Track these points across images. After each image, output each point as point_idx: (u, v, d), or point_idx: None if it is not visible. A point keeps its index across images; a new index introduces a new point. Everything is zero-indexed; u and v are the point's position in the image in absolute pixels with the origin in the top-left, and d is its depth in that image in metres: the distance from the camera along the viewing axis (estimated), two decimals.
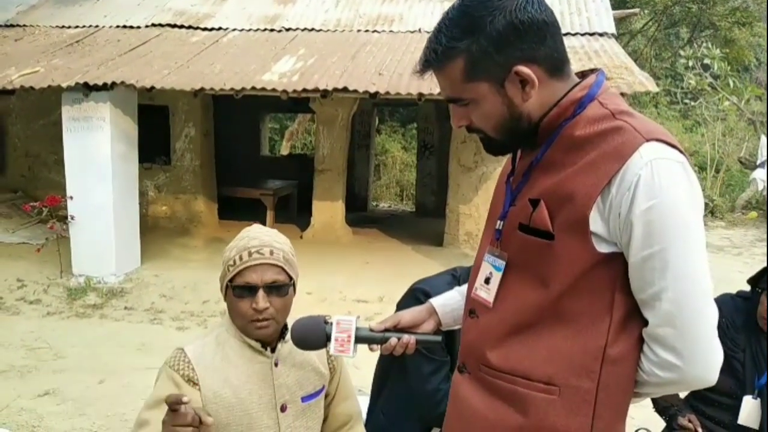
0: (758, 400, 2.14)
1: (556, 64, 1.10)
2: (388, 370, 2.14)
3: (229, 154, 9.34)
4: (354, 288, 5.96)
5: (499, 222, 1.19)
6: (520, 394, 1.12)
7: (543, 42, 1.07)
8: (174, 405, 1.17)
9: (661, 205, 1.00)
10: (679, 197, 1.01)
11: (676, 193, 1.01)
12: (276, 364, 1.49)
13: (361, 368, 4.08)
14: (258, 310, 1.41)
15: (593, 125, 1.07)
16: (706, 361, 1.05)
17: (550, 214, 1.07)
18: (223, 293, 1.49)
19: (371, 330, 1.31)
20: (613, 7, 8.01)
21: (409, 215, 11.11)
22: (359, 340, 1.29)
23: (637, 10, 10.86)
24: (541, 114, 1.11)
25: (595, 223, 1.04)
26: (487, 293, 1.18)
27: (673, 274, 1.01)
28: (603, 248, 1.05)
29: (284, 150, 15.59)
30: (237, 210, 8.21)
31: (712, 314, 1.05)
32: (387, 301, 5.49)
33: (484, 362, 1.17)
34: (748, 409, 2.15)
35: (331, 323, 1.30)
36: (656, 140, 1.03)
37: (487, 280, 1.19)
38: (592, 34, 6.85)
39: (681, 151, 1.05)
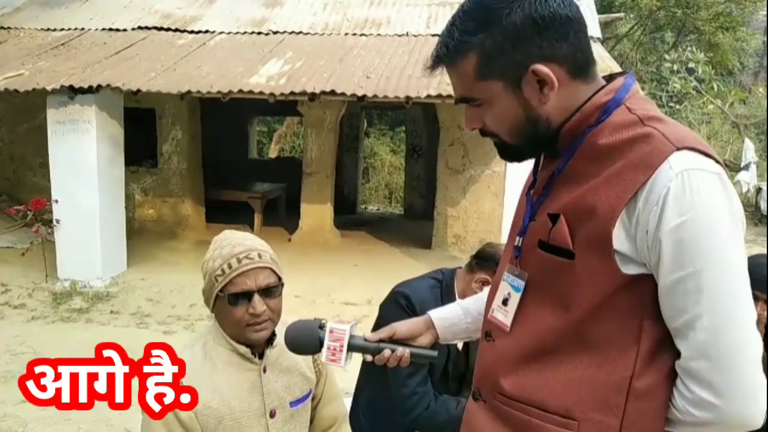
0: None
1: (579, 64, 1.00)
2: (370, 374, 2.14)
3: (217, 157, 9.31)
4: (342, 291, 5.96)
5: (518, 238, 1.10)
6: (533, 426, 1.03)
7: (565, 39, 0.98)
8: None
9: (694, 221, 0.90)
10: (714, 212, 0.91)
11: (711, 207, 0.91)
12: (264, 371, 1.48)
13: (348, 370, 4.09)
14: (256, 315, 1.39)
15: (619, 132, 0.97)
16: (747, 399, 0.92)
17: (570, 230, 0.98)
18: (210, 304, 1.46)
19: (366, 340, 1.28)
20: (599, 11, 8.10)
21: (397, 218, 11.12)
22: (352, 348, 1.26)
23: (621, 14, 10.98)
24: (563, 119, 1.02)
25: (620, 241, 0.94)
26: (504, 315, 1.09)
27: (708, 299, 0.91)
28: (630, 269, 0.95)
29: (273, 153, 15.57)
30: (225, 213, 8.17)
31: (755, 346, 0.93)
32: (375, 303, 5.43)
33: (498, 389, 1.08)
34: None
35: (325, 329, 1.27)
36: (688, 149, 0.93)
37: (505, 302, 1.10)
38: None
39: (717, 161, 0.95)
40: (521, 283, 1.08)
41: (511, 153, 1.10)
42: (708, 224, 0.91)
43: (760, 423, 0.94)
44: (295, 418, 1.53)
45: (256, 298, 1.40)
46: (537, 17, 0.96)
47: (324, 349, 1.26)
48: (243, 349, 1.45)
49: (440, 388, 2.06)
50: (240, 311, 1.40)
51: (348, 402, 2.05)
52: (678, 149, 0.93)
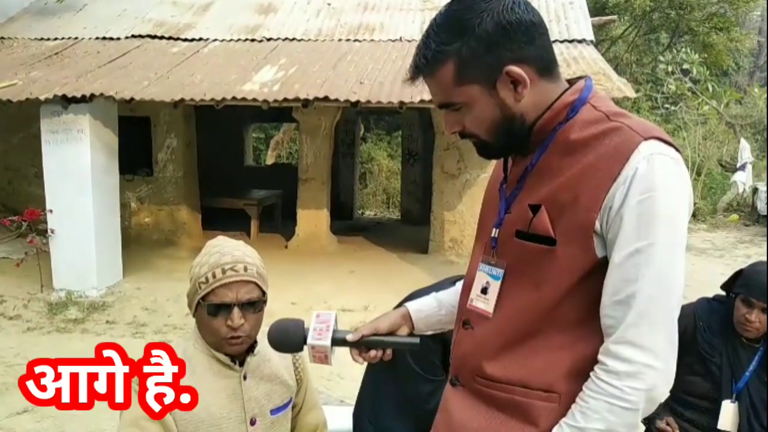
0: (736, 404, 2.15)
1: (545, 64, 1.10)
2: (378, 380, 2.12)
3: (213, 165, 9.30)
4: (339, 297, 5.93)
5: (494, 230, 1.17)
6: (517, 403, 1.11)
7: (532, 42, 1.06)
8: None
9: (654, 199, 0.99)
10: (672, 192, 1.01)
11: (670, 188, 1.00)
12: (245, 378, 1.48)
13: (345, 377, 4.07)
14: (233, 328, 1.39)
15: (589, 128, 1.06)
16: (674, 357, 1.03)
17: (551, 220, 1.06)
18: (192, 310, 1.47)
19: (347, 340, 1.29)
20: (592, 14, 8.11)
21: (394, 223, 11.11)
22: (336, 342, 1.28)
23: (615, 17, 11.01)
24: (535, 116, 1.10)
25: (598, 225, 1.03)
26: (485, 303, 1.16)
27: (655, 270, 1.00)
28: (601, 251, 1.04)
29: (269, 159, 15.56)
30: (221, 220, 8.17)
31: (677, 316, 1.04)
32: (372, 309, 5.47)
33: (480, 373, 1.15)
34: (727, 414, 2.16)
35: (311, 319, 1.30)
36: (654, 138, 1.03)
37: (484, 290, 1.17)
38: (571, 41, 6.93)
39: (677, 149, 1.05)
40: (500, 272, 1.15)
41: (489, 151, 1.17)
42: (666, 203, 1.00)
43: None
44: (276, 426, 1.52)
45: (235, 311, 1.39)
46: (505, 23, 1.05)
47: (310, 331, 1.28)
48: (222, 356, 1.45)
49: (441, 382, 2.04)
50: (218, 322, 1.40)
51: (348, 411, 2.04)
52: (645, 139, 1.03)
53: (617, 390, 1.01)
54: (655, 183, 0.99)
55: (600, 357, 1.04)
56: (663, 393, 1.04)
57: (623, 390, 1.01)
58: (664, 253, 1.00)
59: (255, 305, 1.43)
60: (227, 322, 1.39)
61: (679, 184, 1.02)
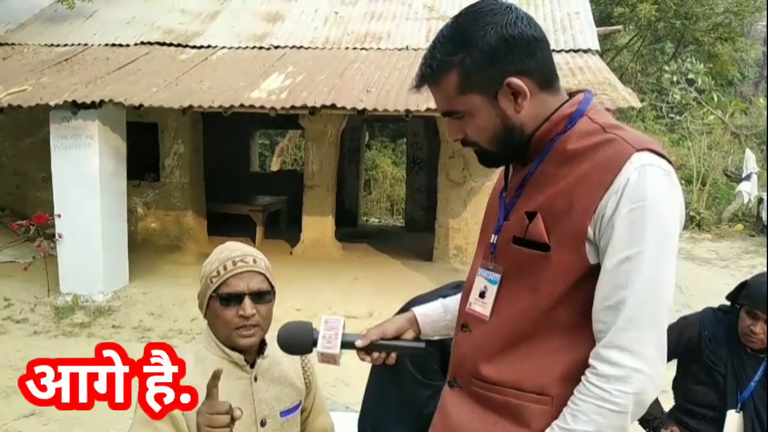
0: (741, 413, 2.16)
1: (546, 77, 1.14)
2: (380, 386, 2.14)
3: (219, 171, 9.34)
4: (344, 304, 5.95)
5: (493, 236, 1.21)
6: (511, 405, 1.13)
7: (533, 56, 1.11)
8: (211, 387, 1.24)
9: (644, 208, 1.02)
10: (662, 203, 1.03)
11: (660, 199, 1.03)
12: (255, 379, 1.51)
13: (350, 384, 4.08)
14: (245, 317, 1.43)
15: (585, 139, 1.10)
16: (663, 361, 1.06)
17: (546, 227, 1.10)
18: (203, 308, 1.50)
19: (356, 345, 1.34)
20: (597, 24, 8.14)
21: (399, 230, 11.12)
22: (345, 345, 1.32)
23: (620, 27, 11.04)
24: (534, 127, 1.14)
25: (590, 232, 1.07)
26: (482, 307, 1.20)
27: (644, 278, 1.03)
28: (593, 258, 1.07)
29: (274, 166, 15.60)
30: (227, 226, 8.19)
31: (666, 322, 1.07)
32: (376, 316, 5.48)
33: (476, 375, 1.18)
34: (732, 424, 2.17)
35: (318, 330, 1.33)
36: (646, 150, 1.06)
37: (482, 294, 1.20)
38: (576, 51, 6.95)
39: (669, 162, 1.08)
40: (497, 277, 1.18)
41: (490, 159, 1.22)
42: (656, 212, 1.03)
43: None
44: (285, 428, 1.55)
45: (247, 300, 1.43)
46: (508, 37, 1.09)
47: (320, 339, 1.32)
48: (236, 356, 1.48)
49: (440, 386, 2.06)
50: (230, 313, 1.44)
51: (353, 417, 2.05)
52: (638, 150, 1.06)
53: (606, 393, 1.04)
54: (646, 193, 1.03)
55: (590, 361, 1.07)
56: (651, 397, 1.07)
57: (612, 393, 1.03)
58: (653, 260, 1.03)
59: (265, 296, 1.47)
60: (239, 312, 1.43)
61: (670, 194, 1.05)
